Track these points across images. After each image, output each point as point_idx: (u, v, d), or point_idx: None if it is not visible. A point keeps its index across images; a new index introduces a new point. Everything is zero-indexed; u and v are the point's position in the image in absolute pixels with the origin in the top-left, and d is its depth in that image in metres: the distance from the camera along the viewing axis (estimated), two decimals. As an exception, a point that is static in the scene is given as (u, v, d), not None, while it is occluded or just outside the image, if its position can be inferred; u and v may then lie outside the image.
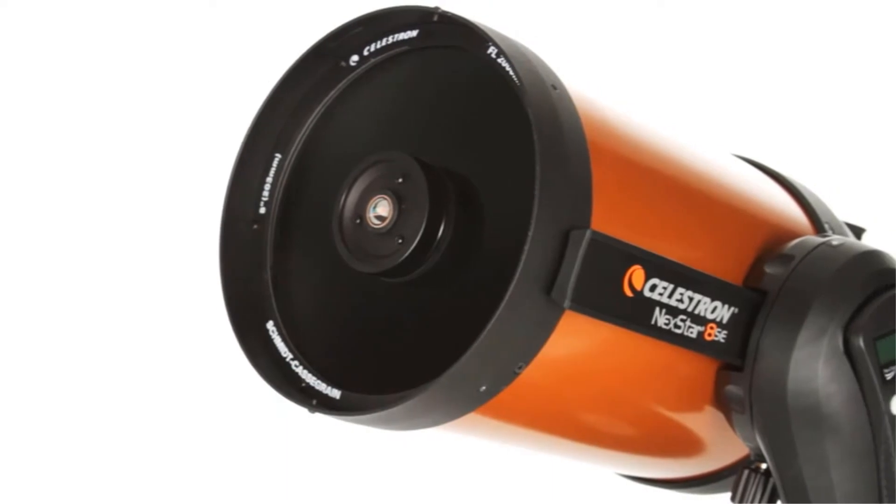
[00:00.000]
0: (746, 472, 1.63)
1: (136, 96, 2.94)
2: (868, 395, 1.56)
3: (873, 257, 1.61)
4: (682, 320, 1.50)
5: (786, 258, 1.60)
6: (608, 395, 1.55)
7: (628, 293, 1.45)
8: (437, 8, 1.50)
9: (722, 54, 2.86)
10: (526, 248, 1.37)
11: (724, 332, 1.55)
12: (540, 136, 1.39)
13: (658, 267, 1.47)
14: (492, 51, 1.46)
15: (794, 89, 2.83)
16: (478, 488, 2.83)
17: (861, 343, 1.55)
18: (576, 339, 1.46)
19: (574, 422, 1.58)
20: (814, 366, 1.55)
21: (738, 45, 2.85)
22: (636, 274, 1.45)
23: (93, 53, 2.94)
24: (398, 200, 1.46)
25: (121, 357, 2.88)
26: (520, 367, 1.42)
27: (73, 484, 2.84)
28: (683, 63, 2.87)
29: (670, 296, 1.48)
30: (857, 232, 1.83)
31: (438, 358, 1.40)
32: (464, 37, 1.48)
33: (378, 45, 1.57)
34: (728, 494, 1.67)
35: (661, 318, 1.48)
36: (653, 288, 1.47)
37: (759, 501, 1.62)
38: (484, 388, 1.42)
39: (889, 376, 1.57)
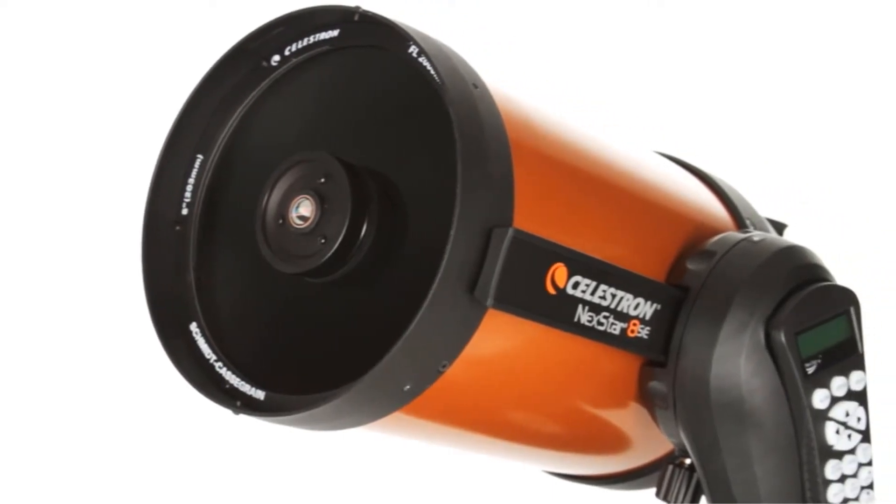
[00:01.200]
0: (671, 467, 1.65)
1: (119, 95, 2.92)
2: (790, 390, 1.58)
3: (794, 253, 1.62)
4: (605, 317, 1.51)
5: (707, 254, 1.61)
6: (532, 392, 1.55)
7: (551, 291, 1.45)
8: (357, 7, 1.49)
9: (722, 55, 2.87)
10: (448, 247, 1.37)
11: (648, 328, 1.56)
12: (461, 135, 1.39)
13: (580, 264, 1.47)
14: (413, 50, 1.45)
15: (783, 89, 2.85)
16: (410, 488, 2.83)
17: (782, 338, 1.56)
18: (499, 337, 1.46)
19: (499, 420, 1.58)
20: (736, 361, 1.56)
21: (737, 46, 2.86)
22: (559, 272, 1.46)
23: (85, 52, 2.92)
24: (321, 200, 1.46)
25: (41, 362, 2.85)
26: (444, 366, 1.42)
27: None
28: (683, 63, 2.88)
29: (593, 293, 1.49)
30: (779, 228, 1.85)
31: (363, 358, 1.39)
32: (385, 36, 1.48)
33: (299, 45, 1.56)
34: (654, 490, 1.68)
35: (584, 316, 1.49)
36: (575, 285, 1.47)
37: (684, 496, 1.63)
38: (408, 387, 1.42)
39: (811, 371, 1.58)
